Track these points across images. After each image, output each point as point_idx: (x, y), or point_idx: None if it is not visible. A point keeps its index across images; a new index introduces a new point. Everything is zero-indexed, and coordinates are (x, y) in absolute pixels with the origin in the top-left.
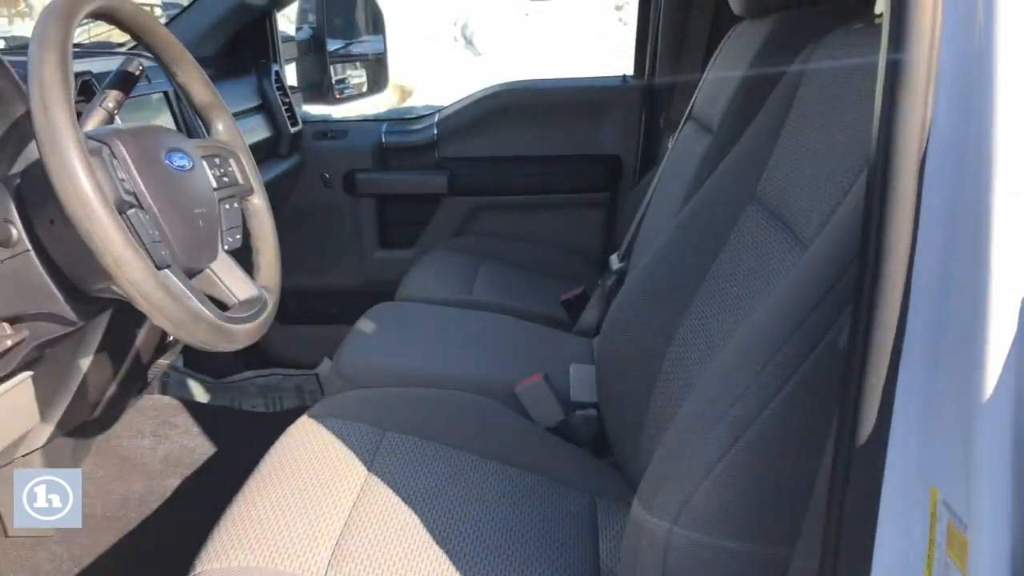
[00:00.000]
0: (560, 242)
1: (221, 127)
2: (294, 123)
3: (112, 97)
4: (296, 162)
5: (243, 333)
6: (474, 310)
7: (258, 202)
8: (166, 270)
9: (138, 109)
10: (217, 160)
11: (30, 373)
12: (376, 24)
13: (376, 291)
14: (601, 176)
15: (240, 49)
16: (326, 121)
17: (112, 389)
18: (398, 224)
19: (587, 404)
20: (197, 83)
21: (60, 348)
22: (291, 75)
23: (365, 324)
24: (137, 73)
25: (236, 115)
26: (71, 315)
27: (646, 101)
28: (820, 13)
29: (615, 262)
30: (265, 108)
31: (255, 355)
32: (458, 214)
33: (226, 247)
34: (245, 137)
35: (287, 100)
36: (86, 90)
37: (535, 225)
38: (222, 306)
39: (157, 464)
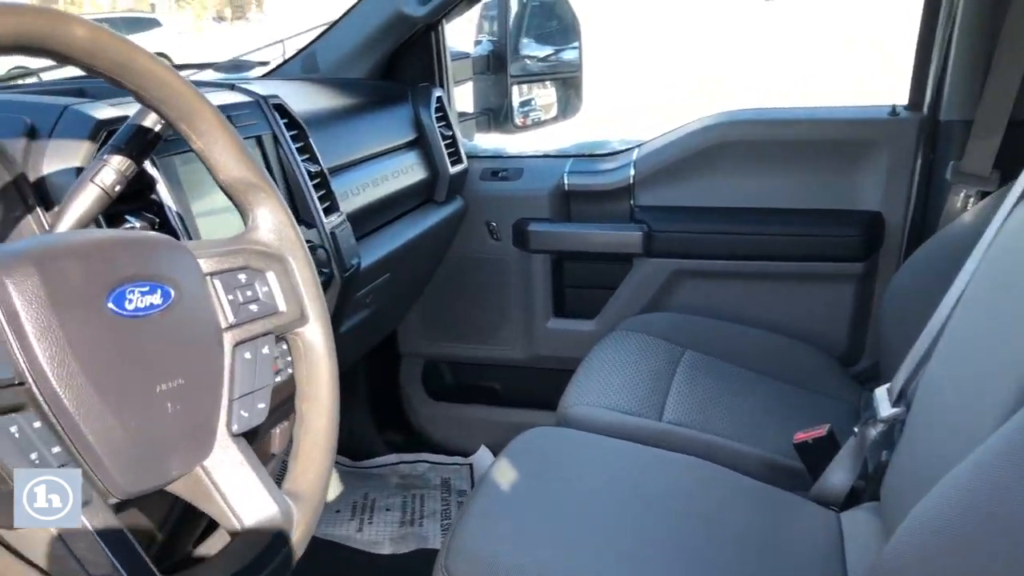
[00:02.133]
0: (791, 329)
1: (262, 218)
2: (457, 161)
3: (112, 167)
4: (456, 209)
5: None
6: (662, 449)
7: (313, 337)
8: (82, 512)
9: (198, 171)
10: (242, 276)
11: None
12: (571, 33)
13: (546, 368)
14: (854, 240)
15: (399, 69)
16: (498, 156)
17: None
18: (578, 288)
19: None
20: (223, 150)
21: None
22: (464, 98)
23: (499, 477)
24: (157, 129)
25: (386, 152)
26: None
27: (926, 142)
28: None
29: (882, 399)
30: (421, 143)
31: (400, 433)
32: (654, 281)
33: (236, 429)
34: (392, 180)
35: (450, 133)
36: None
37: (758, 303)
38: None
39: None
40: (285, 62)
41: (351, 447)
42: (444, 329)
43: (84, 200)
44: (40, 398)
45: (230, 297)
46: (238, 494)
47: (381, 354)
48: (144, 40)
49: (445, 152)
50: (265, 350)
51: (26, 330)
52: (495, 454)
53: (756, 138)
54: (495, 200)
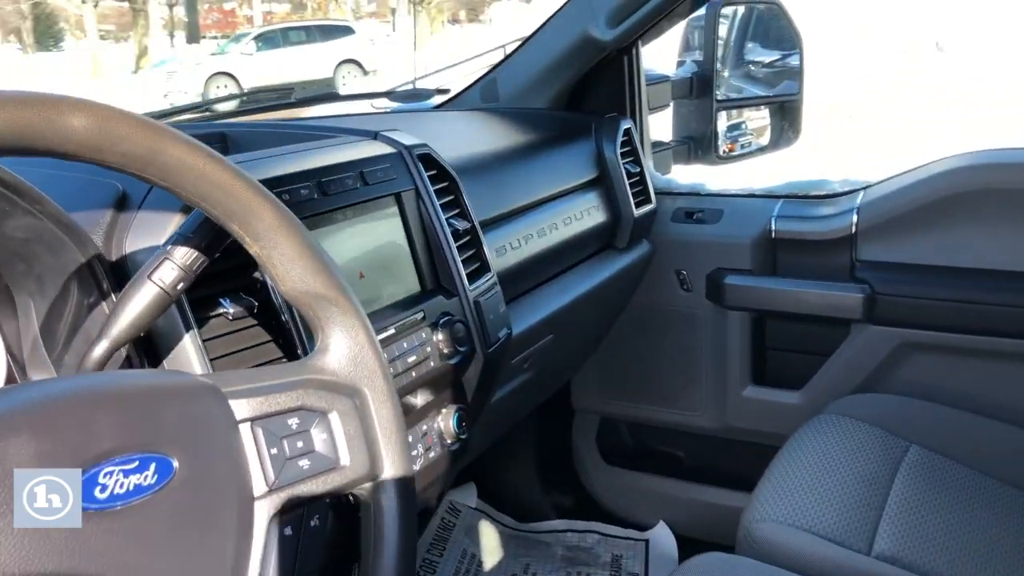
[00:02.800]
0: None
1: (335, 340)
2: (643, 201)
3: (177, 261)
4: (642, 255)
5: None
6: None
7: (386, 499)
8: None
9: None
10: (295, 421)
11: None
12: (790, 49)
13: (740, 441)
14: None
15: (585, 98)
16: (694, 194)
17: None
18: (782, 353)
19: None
20: (287, 255)
21: None
22: (662, 125)
23: None
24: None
25: (564, 194)
26: None
27: None
28: None
29: None
30: (603, 182)
31: (569, 496)
32: (876, 353)
33: None
34: (565, 227)
35: (637, 170)
36: None
37: (1009, 391)
38: None
39: None
40: (464, 90)
41: (515, 506)
42: (623, 386)
43: (139, 302)
44: None
45: (273, 451)
46: None
47: (552, 407)
48: (338, 48)
49: (630, 192)
50: (315, 522)
51: None
52: (675, 532)
53: (1017, 185)
54: (688, 245)
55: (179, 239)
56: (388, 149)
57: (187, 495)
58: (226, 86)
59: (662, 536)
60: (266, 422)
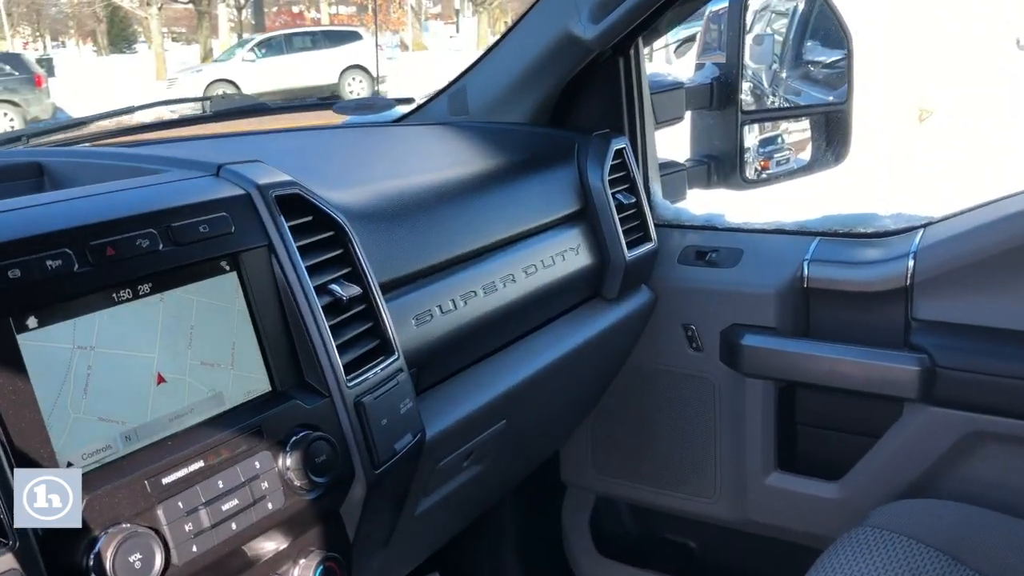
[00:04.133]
0: None
1: None
2: (639, 240)
3: None
4: (640, 305)
5: None
6: None
7: None
8: None
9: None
10: None
11: None
12: (835, 48)
13: (763, 539)
14: None
15: (574, 110)
16: (709, 227)
17: None
18: (816, 432)
19: None
20: None
21: None
22: (676, 143)
23: None
24: None
25: (537, 231)
26: None
27: None
28: None
29: None
30: (587, 215)
31: None
32: (937, 443)
33: None
34: (538, 272)
35: (632, 200)
36: None
37: None
38: None
39: None
40: (429, 100)
41: None
42: (622, 461)
43: None
44: None
45: None
46: None
47: (537, 480)
48: (344, 54)
49: (620, 229)
50: None
51: None
52: None
53: None
54: (698, 294)
55: None
56: (229, 192)
57: None
58: (226, 93)
59: None
60: None
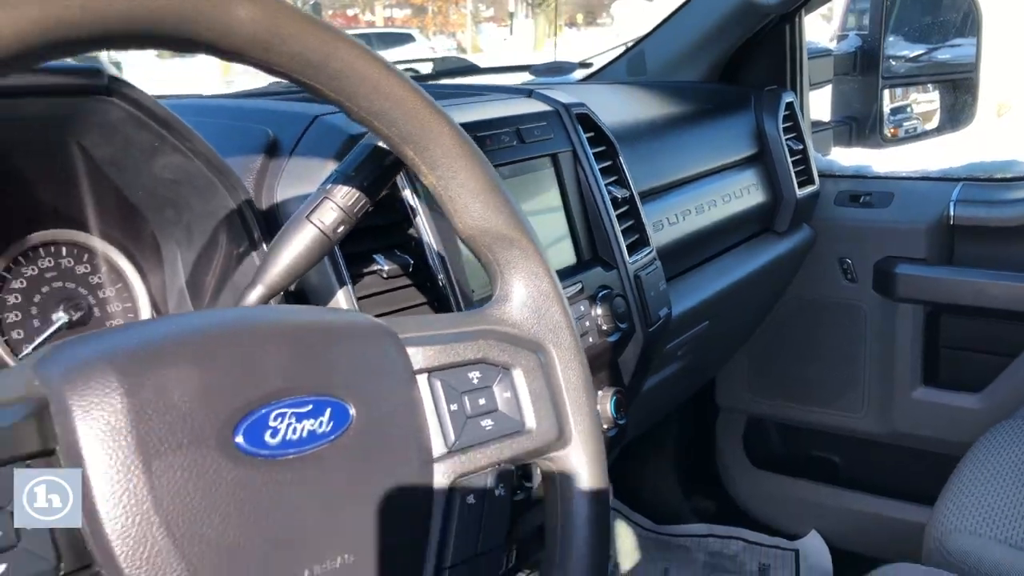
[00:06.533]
0: None
1: (519, 292)
2: (806, 182)
3: (337, 203)
4: (802, 241)
5: None
6: None
7: (576, 467)
8: None
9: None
10: (475, 374)
11: None
12: (966, 26)
13: (908, 450)
14: None
15: (742, 70)
16: (860, 176)
17: None
18: (959, 352)
19: None
20: (466, 187)
21: None
22: (819, 104)
23: None
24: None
25: (718, 171)
26: None
27: None
28: None
29: None
30: (763, 159)
31: (712, 500)
32: None
33: None
34: (722, 206)
35: (800, 147)
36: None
37: None
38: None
39: None
40: (609, 63)
41: (653, 508)
42: (774, 383)
43: (298, 244)
44: (115, 567)
45: (452, 407)
46: None
47: (696, 404)
48: (397, 55)
49: (792, 171)
50: (500, 491)
51: (91, 485)
52: (828, 543)
53: None
54: (853, 232)
55: (339, 178)
56: (544, 107)
57: (364, 448)
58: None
59: (814, 546)
60: (445, 374)
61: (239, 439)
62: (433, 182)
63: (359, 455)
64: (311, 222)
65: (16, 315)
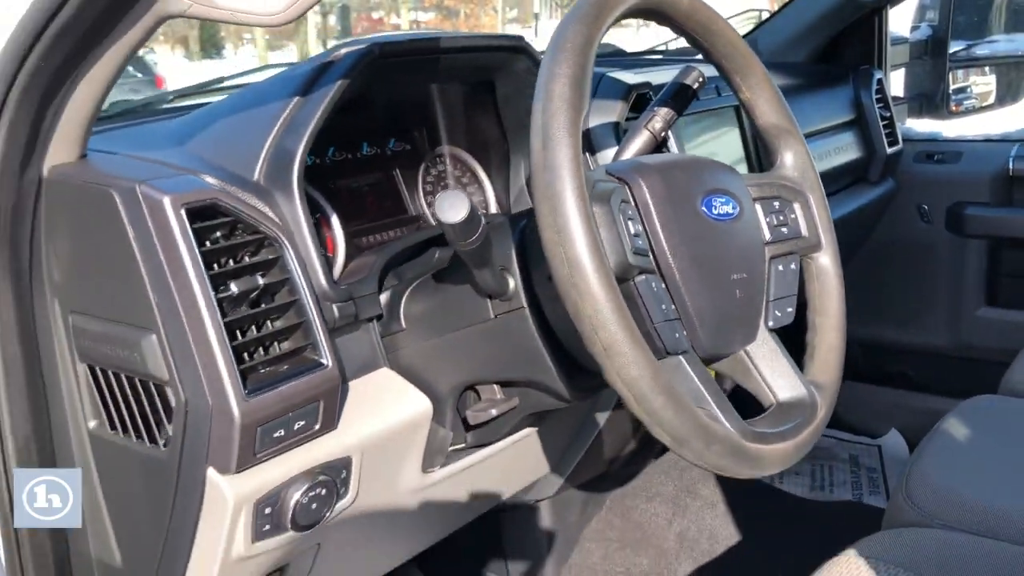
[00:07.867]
0: None
1: (790, 160)
2: (893, 142)
3: (660, 116)
4: (888, 189)
5: (773, 458)
6: None
7: (826, 262)
8: (679, 358)
9: (699, 128)
10: (776, 203)
11: (534, 429)
12: (1020, 19)
13: (972, 359)
14: None
15: (839, 53)
16: (934, 140)
17: (631, 445)
18: (1016, 280)
19: None
20: (766, 100)
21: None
22: (894, 84)
23: (952, 428)
24: (695, 87)
25: (823, 132)
26: (563, 391)
27: None
28: None
29: None
30: (859, 123)
31: None
32: None
33: (771, 324)
34: (830, 158)
35: (887, 115)
36: (640, 104)
37: None
38: (752, 409)
39: (670, 540)
40: None
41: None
42: (859, 309)
43: (639, 141)
44: (661, 268)
45: (768, 219)
46: (773, 376)
47: (796, 321)
48: None
49: (883, 132)
50: (792, 266)
51: (654, 218)
52: (907, 440)
53: None
54: (929, 183)
55: (661, 102)
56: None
57: (744, 226)
58: None
59: (895, 442)
60: (763, 201)
61: (702, 208)
62: (747, 96)
63: (742, 228)
64: (647, 129)
65: (430, 187)
